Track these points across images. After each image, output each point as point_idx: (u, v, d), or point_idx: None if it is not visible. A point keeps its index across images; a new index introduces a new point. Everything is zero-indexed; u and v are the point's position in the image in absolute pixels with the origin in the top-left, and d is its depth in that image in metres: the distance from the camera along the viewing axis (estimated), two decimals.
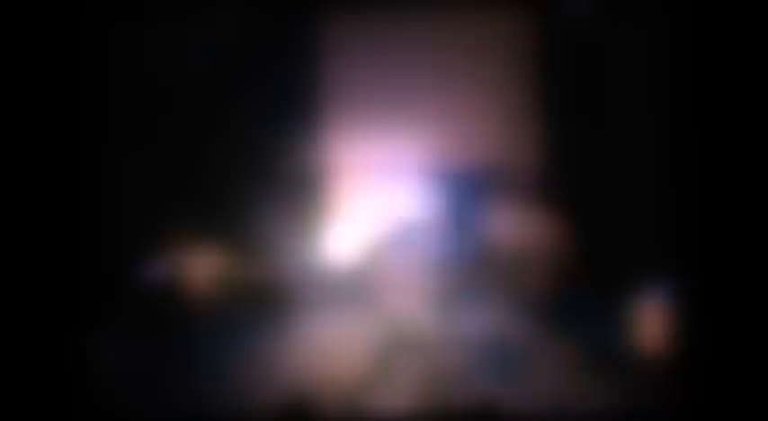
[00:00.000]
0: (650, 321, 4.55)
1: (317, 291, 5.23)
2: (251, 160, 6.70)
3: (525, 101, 7.52)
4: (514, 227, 4.90)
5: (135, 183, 6.10)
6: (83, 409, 2.41)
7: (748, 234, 2.27)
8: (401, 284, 5.17)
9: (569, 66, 6.83)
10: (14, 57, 2.28)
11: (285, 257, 4.77)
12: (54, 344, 2.34)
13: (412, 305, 5.34)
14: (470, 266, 4.70)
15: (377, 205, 5.12)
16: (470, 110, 7.48)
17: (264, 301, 4.78)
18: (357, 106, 7.29)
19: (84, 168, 2.48)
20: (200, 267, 6.59)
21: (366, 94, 7.31)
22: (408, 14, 6.99)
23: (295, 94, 7.31)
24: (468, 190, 6.32)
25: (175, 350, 5.18)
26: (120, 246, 5.73)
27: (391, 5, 6.66)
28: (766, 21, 2.24)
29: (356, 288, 5.19)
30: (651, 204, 5.12)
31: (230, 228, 5.16)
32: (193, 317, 5.98)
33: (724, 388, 2.28)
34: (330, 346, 5.15)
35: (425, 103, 7.22)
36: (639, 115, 5.76)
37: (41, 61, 2.32)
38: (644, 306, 4.68)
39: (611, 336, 4.80)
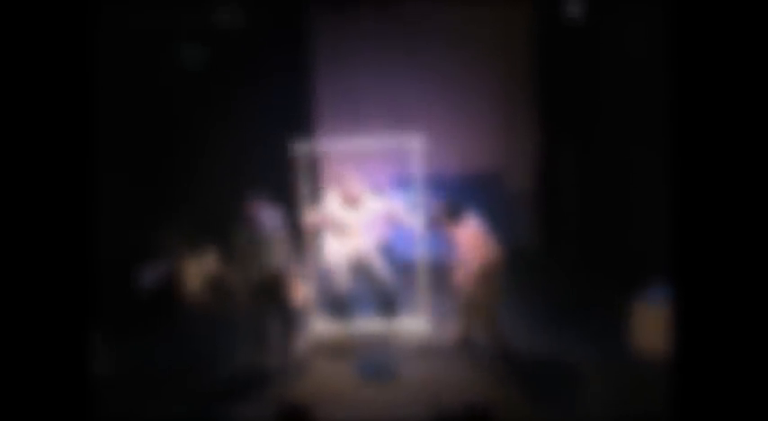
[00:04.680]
0: (649, 326, 4.57)
1: (312, 294, 5.23)
2: (246, 164, 6.67)
3: (520, 105, 7.55)
4: (506, 231, 4.90)
5: (136, 189, 6.03)
6: (85, 408, 2.38)
7: (743, 240, 2.28)
8: (389, 286, 5.16)
9: (564, 67, 6.84)
10: (18, 64, 2.26)
11: (280, 261, 4.75)
12: (57, 346, 2.32)
13: (402, 307, 5.34)
14: (455, 270, 4.71)
15: (368, 203, 5.10)
16: (464, 111, 7.47)
17: (261, 305, 4.77)
18: (350, 107, 7.26)
19: (88, 177, 2.45)
20: (198, 272, 6.56)
21: (360, 95, 7.29)
22: (403, 15, 6.99)
23: (291, 95, 7.29)
24: (458, 191, 6.31)
25: (173, 353, 5.16)
26: (121, 251, 5.69)
27: (386, 6, 6.65)
28: (759, 24, 2.25)
29: (348, 290, 5.20)
30: (649, 211, 5.16)
31: (226, 232, 5.12)
32: (190, 320, 5.94)
33: (722, 389, 2.28)
34: (325, 351, 5.13)
35: (418, 104, 7.20)
36: (636, 124, 5.78)
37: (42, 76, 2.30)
38: (643, 311, 4.69)
39: (611, 341, 4.82)
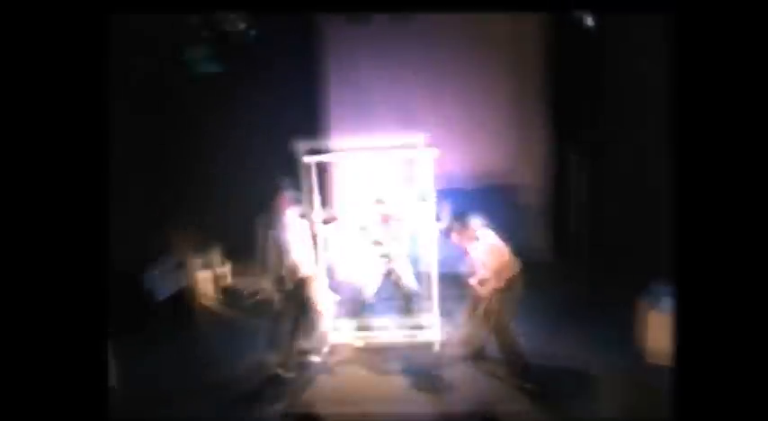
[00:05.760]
0: (660, 332, 4.53)
1: (335, 299, 5.23)
2: (260, 171, 6.66)
3: (532, 112, 7.53)
4: (517, 238, 4.87)
5: (149, 200, 6.04)
6: (99, 419, 2.38)
7: (750, 247, 2.26)
8: (404, 290, 5.20)
9: (576, 75, 6.81)
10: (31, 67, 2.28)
11: (305, 262, 4.78)
12: (70, 357, 2.31)
13: (415, 311, 5.33)
14: (466, 274, 4.70)
15: (377, 211, 5.13)
16: (477, 118, 7.45)
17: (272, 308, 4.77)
18: (359, 113, 7.27)
19: (101, 188, 2.46)
20: (212, 280, 6.55)
21: (372, 102, 7.29)
22: (411, 23, 7.00)
23: (302, 102, 7.30)
24: (470, 198, 6.29)
25: (186, 361, 5.15)
26: (134, 256, 5.70)
27: (397, 12, 6.66)
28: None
29: (373, 297, 5.22)
30: (660, 218, 5.10)
31: (238, 236, 5.11)
32: (204, 329, 5.93)
33: (728, 394, 2.25)
34: (340, 357, 5.12)
35: (430, 111, 7.19)
36: (648, 132, 5.74)
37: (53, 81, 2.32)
38: (654, 317, 4.65)
39: (622, 347, 4.78)
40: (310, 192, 5.11)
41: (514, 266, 4.48)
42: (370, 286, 5.23)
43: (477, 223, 4.58)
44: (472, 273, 4.64)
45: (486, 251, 4.49)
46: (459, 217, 4.66)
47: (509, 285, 4.46)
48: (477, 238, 4.53)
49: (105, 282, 2.46)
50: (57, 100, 2.32)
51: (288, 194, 4.77)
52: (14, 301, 2.23)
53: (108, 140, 2.52)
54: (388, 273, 5.26)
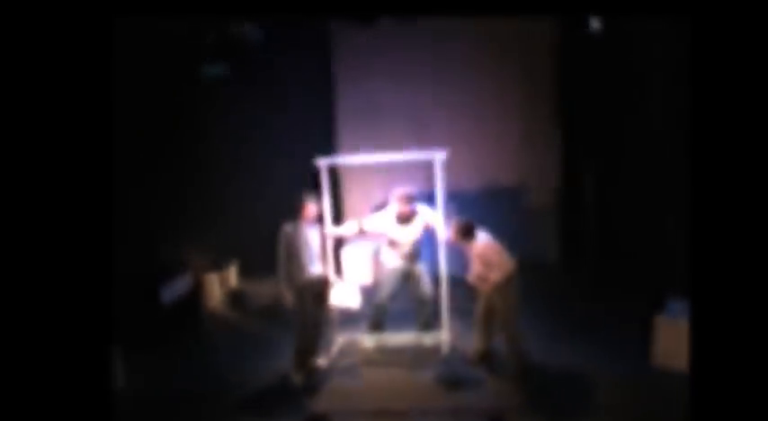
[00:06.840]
0: (668, 339, 4.51)
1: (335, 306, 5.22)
2: (268, 178, 6.65)
3: (542, 119, 7.48)
4: (526, 245, 4.84)
5: (157, 205, 6.06)
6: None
7: (761, 254, 2.25)
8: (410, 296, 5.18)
9: (586, 82, 6.77)
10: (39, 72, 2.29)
11: (323, 267, 4.78)
12: (77, 363, 2.32)
13: (424, 318, 5.31)
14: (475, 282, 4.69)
15: (386, 217, 5.11)
16: (486, 125, 7.41)
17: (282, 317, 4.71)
18: (369, 119, 7.25)
19: (110, 192, 2.47)
20: (221, 284, 6.54)
21: (381, 109, 7.27)
22: (424, 30, 6.98)
23: (313, 112, 7.29)
24: (479, 205, 6.26)
25: (194, 367, 5.15)
26: (145, 265, 5.70)
27: (407, 20, 6.65)
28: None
29: (391, 300, 5.21)
30: (668, 225, 5.07)
31: (248, 245, 5.09)
32: (212, 334, 5.93)
33: (741, 404, 2.24)
34: (348, 363, 5.11)
35: (439, 118, 7.16)
36: (658, 140, 5.71)
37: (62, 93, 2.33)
38: (662, 324, 4.63)
39: (630, 355, 4.76)
40: (322, 194, 5.10)
41: (510, 263, 4.52)
42: (384, 288, 5.19)
43: (472, 224, 4.63)
44: (470, 272, 4.67)
45: (483, 249, 4.55)
46: (456, 218, 4.71)
47: (508, 281, 4.50)
48: (473, 238, 4.58)
49: (109, 287, 2.46)
50: (62, 104, 2.34)
51: (299, 197, 4.76)
52: (19, 306, 2.24)
53: (113, 145, 2.53)
54: (406, 276, 5.19)
